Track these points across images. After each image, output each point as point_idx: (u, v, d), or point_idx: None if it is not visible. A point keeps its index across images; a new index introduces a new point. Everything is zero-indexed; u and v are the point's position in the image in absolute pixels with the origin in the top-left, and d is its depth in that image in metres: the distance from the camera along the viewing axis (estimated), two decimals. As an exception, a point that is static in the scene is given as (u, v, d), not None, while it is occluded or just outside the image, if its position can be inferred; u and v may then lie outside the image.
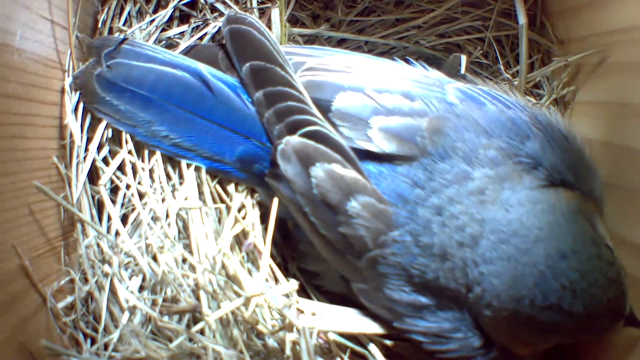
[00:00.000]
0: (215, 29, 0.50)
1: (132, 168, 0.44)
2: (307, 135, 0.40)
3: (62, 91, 0.43)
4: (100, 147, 0.44)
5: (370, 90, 0.41)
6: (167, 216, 0.42)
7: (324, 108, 0.41)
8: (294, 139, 0.39)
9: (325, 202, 0.38)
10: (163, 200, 0.43)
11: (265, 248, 0.38)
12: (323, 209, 0.38)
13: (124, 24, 0.49)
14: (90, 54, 0.44)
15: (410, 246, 0.37)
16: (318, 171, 0.38)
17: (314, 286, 0.44)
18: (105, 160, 0.44)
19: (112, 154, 0.44)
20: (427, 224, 0.37)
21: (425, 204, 0.37)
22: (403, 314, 0.38)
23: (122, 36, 0.46)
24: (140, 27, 0.49)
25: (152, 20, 0.49)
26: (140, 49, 0.43)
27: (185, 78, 0.42)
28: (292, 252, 0.45)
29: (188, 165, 0.44)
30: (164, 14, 0.49)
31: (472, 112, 0.39)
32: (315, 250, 0.41)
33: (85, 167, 0.43)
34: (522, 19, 0.52)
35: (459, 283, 0.36)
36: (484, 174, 0.37)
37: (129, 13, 0.50)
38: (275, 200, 0.39)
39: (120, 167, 0.44)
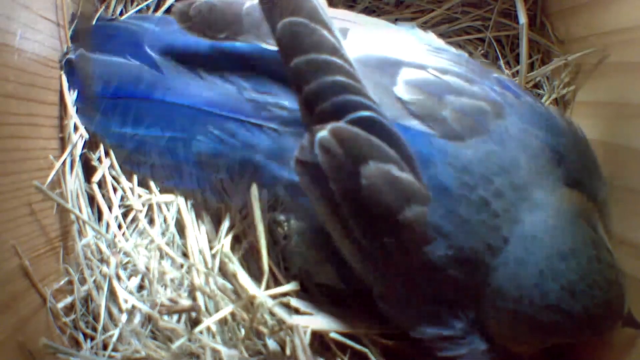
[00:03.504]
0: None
1: (132, 168, 0.44)
2: (358, 122, 0.33)
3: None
4: (98, 147, 0.44)
5: (433, 70, 0.36)
6: (166, 216, 0.42)
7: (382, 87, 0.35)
8: (340, 126, 0.33)
9: (373, 207, 0.33)
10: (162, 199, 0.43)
11: (265, 248, 0.38)
12: (368, 214, 0.33)
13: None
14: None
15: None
16: (370, 170, 0.32)
17: (315, 285, 0.44)
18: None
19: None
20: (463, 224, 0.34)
21: (471, 196, 0.33)
22: (419, 320, 0.37)
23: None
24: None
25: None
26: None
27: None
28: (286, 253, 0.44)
29: (188, 165, 0.44)
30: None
31: (515, 102, 0.37)
32: (304, 248, 0.40)
33: (84, 167, 0.43)
34: (522, 19, 0.52)
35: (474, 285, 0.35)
36: (528, 170, 0.34)
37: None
38: (256, 199, 0.37)
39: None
